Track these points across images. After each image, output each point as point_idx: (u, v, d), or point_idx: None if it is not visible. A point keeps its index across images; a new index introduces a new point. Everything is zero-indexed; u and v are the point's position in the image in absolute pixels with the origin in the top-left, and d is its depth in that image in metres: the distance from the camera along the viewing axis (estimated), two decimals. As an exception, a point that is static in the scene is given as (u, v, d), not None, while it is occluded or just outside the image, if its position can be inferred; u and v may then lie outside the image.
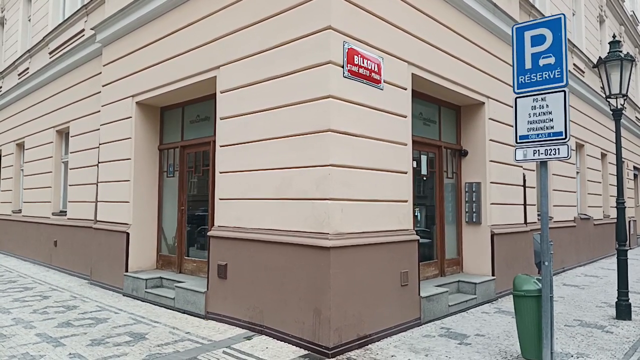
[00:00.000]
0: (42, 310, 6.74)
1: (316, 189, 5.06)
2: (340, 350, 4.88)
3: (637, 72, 19.05)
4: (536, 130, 4.34)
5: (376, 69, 5.57)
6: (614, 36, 7.31)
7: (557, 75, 4.27)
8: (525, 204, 8.70)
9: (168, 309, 6.81)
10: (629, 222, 16.04)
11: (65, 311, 6.68)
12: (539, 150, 4.33)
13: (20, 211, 13.07)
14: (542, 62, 4.36)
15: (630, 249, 15.99)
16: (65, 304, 7.16)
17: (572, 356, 4.89)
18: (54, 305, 7.03)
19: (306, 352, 4.94)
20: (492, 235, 7.57)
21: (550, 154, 4.26)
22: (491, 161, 7.79)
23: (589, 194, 13.21)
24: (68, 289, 8.38)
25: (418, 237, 6.12)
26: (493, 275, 7.57)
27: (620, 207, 6.88)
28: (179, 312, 6.61)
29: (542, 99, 4.33)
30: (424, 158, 7.30)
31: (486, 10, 7.63)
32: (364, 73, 5.40)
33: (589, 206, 13.17)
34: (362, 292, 5.21)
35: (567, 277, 10.22)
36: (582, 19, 13.29)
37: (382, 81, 5.67)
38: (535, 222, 8.98)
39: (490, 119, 7.84)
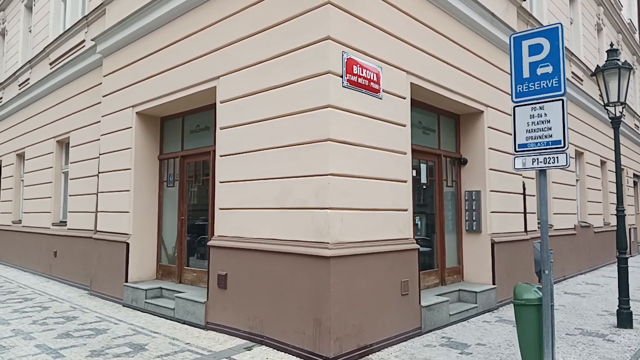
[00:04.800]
0: (42, 321, 6.71)
1: (316, 198, 5.06)
2: (340, 360, 4.86)
3: (635, 79, 19.13)
4: (535, 138, 4.35)
5: (375, 79, 5.60)
6: (611, 44, 7.35)
7: (555, 84, 4.28)
8: (525, 212, 8.69)
9: (168, 319, 6.79)
10: (629, 229, 16.02)
11: (65, 322, 6.66)
12: (537, 158, 4.33)
13: (20, 221, 13.06)
14: (539, 71, 4.38)
15: (631, 256, 15.95)
16: (64, 314, 7.14)
17: (573, 365, 4.87)
18: (53, 316, 7.01)
19: (306, 362, 4.92)
20: (493, 244, 7.56)
21: (549, 163, 4.26)
22: (491, 169, 7.80)
23: (589, 201, 13.20)
24: (68, 299, 8.35)
25: (418, 246, 6.11)
26: (494, 284, 7.55)
27: (621, 215, 6.88)
28: (178, 322, 6.58)
29: (540, 108, 4.34)
30: (423, 167, 7.31)
31: (484, 20, 7.68)
32: (363, 83, 5.42)
33: (589, 214, 13.15)
34: (362, 302, 5.20)
35: (567, 286, 10.19)
36: (579, 28, 13.36)
37: (381, 90, 5.70)
38: (535, 231, 8.97)
39: (489, 127, 7.87)
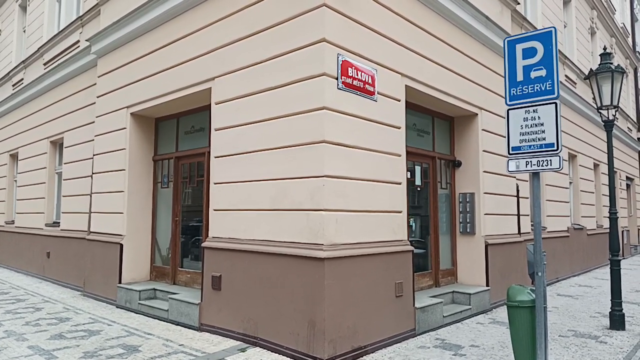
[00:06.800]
0: (35, 322, 6.68)
1: (311, 200, 5.07)
2: (334, 361, 4.87)
3: (628, 83, 19.27)
4: (528, 141, 4.37)
5: (370, 81, 5.62)
6: (604, 48, 7.40)
7: (549, 87, 4.31)
8: (518, 215, 8.74)
9: (162, 320, 6.76)
10: (622, 232, 16.11)
11: (58, 323, 6.62)
12: (531, 161, 4.36)
13: (13, 222, 12.99)
14: (533, 74, 4.41)
15: (624, 258, 16.05)
16: (58, 315, 7.10)
17: (566, 367, 4.90)
18: (46, 317, 6.97)
19: (301, 364, 4.92)
20: (486, 246, 7.60)
21: (542, 165, 4.29)
22: (485, 172, 7.84)
23: (582, 204, 13.28)
24: (61, 300, 8.31)
25: (412, 248, 6.13)
26: (487, 285, 7.58)
27: (613, 217, 6.93)
28: (172, 324, 6.57)
29: (533, 111, 4.36)
30: (418, 169, 7.34)
31: (479, 23, 7.72)
32: (358, 85, 5.44)
33: (582, 216, 13.23)
34: (356, 303, 5.21)
35: (561, 288, 10.24)
36: (573, 31, 13.46)
37: (376, 93, 5.72)
38: (529, 233, 9.02)
39: (483, 130, 7.90)
